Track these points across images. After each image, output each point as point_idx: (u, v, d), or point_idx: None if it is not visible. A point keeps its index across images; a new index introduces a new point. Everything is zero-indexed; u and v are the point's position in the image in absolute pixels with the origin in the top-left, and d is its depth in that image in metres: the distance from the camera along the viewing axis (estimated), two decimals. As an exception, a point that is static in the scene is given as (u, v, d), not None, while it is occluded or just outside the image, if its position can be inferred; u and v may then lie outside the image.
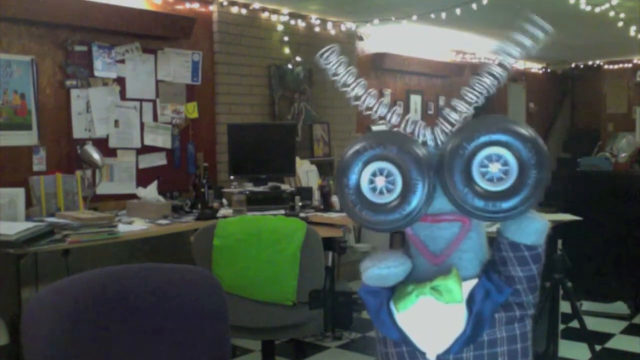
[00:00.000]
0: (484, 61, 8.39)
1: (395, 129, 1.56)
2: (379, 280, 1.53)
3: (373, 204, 1.49)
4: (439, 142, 1.52)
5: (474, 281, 1.52)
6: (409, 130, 1.55)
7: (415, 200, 1.45)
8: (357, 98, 1.58)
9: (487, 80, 1.50)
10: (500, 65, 1.50)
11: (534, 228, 1.49)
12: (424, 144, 1.53)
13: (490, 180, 1.42)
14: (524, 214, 1.47)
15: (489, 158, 1.42)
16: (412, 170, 1.45)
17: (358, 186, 1.50)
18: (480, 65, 8.26)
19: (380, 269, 1.51)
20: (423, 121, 1.56)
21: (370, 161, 1.49)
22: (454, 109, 1.52)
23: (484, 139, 1.42)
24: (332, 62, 1.58)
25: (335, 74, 1.59)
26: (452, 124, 1.52)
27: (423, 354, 1.53)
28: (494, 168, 1.42)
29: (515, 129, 1.42)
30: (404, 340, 1.54)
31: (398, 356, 1.56)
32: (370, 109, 1.58)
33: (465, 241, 1.52)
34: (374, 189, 1.49)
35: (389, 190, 1.48)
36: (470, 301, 1.50)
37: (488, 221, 1.49)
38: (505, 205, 1.42)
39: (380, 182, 1.49)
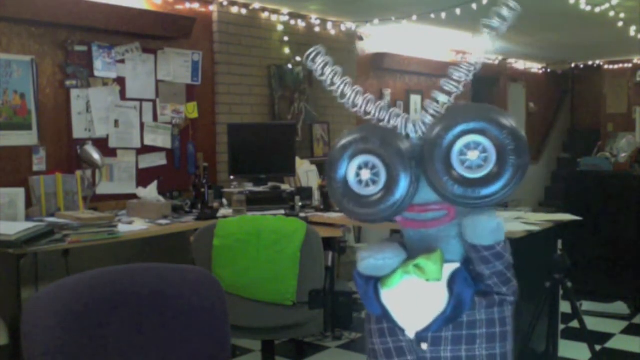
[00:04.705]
0: (485, 61, 8.39)
1: (381, 123, 1.61)
2: (374, 270, 1.58)
3: (360, 196, 1.55)
4: (421, 134, 1.56)
5: (456, 265, 1.56)
6: (392, 123, 1.59)
7: (399, 192, 1.50)
8: (343, 96, 1.62)
9: (464, 69, 1.54)
10: (475, 54, 1.54)
11: (488, 229, 1.51)
12: (407, 136, 1.57)
13: (470, 167, 1.45)
14: (483, 212, 1.51)
15: (468, 146, 1.45)
16: (395, 162, 1.50)
17: (345, 180, 1.56)
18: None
19: (376, 260, 1.56)
20: (406, 114, 1.61)
21: (355, 155, 1.55)
22: (435, 100, 1.56)
23: (461, 127, 1.46)
24: (318, 63, 1.64)
25: (321, 75, 1.63)
26: (433, 115, 1.55)
27: (402, 330, 1.58)
28: (473, 155, 1.45)
29: (493, 116, 1.46)
30: (385, 316, 1.60)
31: (379, 332, 1.62)
32: (356, 105, 1.62)
33: (452, 227, 1.56)
34: (360, 182, 1.55)
35: (374, 182, 1.53)
36: (452, 283, 1.54)
37: (470, 207, 1.52)
38: (485, 191, 1.45)
39: (365, 174, 1.54)
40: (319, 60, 1.64)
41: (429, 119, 1.55)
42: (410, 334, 1.57)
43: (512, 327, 1.61)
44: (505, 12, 1.50)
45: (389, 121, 1.59)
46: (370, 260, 1.56)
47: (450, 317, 1.53)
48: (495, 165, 1.44)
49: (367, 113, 1.61)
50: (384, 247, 1.59)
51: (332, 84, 1.62)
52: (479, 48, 1.53)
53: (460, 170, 1.46)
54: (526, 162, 1.45)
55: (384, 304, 1.59)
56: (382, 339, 1.61)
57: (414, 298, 1.55)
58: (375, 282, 1.59)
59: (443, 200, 1.52)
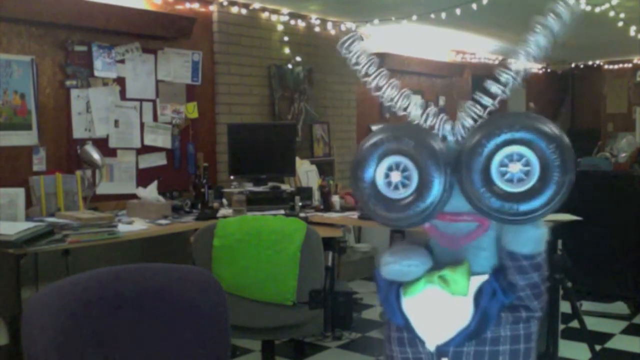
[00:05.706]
0: (485, 61, 8.39)
1: (416, 122, 1.50)
2: (397, 276, 1.50)
3: (387, 199, 1.43)
4: (460, 138, 1.45)
5: (484, 277, 1.48)
6: (429, 123, 1.48)
7: (430, 198, 1.39)
8: (378, 89, 1.52)
9: (512, 73, 1.44)
10: (521, 61, 1.46)
11: (530, 236, 1.42)
12: (444, 138, 1.46)
13: (510, 180, 1.34)
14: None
15: (510, 157, 1.34)
16: (428, 166, 1.39)
17: (373, 180, 1.45)
18: (481, 65, 8.27)
19: (401, 266, 1.48)
20: (445, 114, 1.49)
21: (386, 155, 1.44)
22: (478, 102, 1.45)
23: (505, 136, 1.34)
24: (354, 52, 1.53)
25: (356, 64, 1.53)
26: (474, 119, 1.45)
27: (423, 342, 1.51)
28: (515, 168, 1.34)
29: (540, 127, 1.34)
30: (406, 326, 1.52)
31: (398, 341, 1.55)
32: (391, 100, 1.52)
33: (483, 239, 1.48)
34: (389, 184, 1.44)
35: (405, 186, 1.42)
36: (478, 297, 1.46)
37: (505, 223, 1.42)
38: (524, 207, 1.34)
39: (395, 177, 1.43)
40: (355, 47, 1.52)
41: (469, 123, 1.45)
42: (431, 346, 1.49)
43: (536, 342, 1.53)
44: (560, 9, 1.39)
45: (425, 120, 1.48)
46: (395, 266, 1.48)
47: (474, 332, 1.45)
48: (538, 180, 1.32)
49: (403, 109, 1.51)
50: (410, 252, 1.50)
51: (367, 74, 1.51)
52: (526, 52, 1.43)
53: (499, 182, 1.34)
54: (571, 179, 1.33)
55: (405, 313, 1.51)
56: (402, 348, 1.54)
57: (437, 309, 1.47)
58: (398, 286, 1.52)
59: (476, 212, 1.42)
